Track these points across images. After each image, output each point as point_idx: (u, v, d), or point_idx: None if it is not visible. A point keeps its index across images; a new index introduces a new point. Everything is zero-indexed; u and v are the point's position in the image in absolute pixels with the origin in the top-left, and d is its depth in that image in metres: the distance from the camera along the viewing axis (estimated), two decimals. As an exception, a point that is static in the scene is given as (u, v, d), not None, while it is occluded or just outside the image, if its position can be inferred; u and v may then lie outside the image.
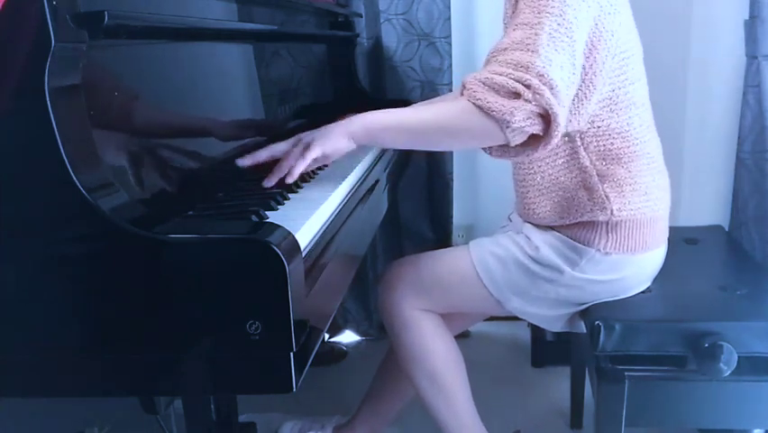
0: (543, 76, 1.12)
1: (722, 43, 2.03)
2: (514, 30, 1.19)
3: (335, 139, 1.18)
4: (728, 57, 1.96)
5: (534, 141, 1.18)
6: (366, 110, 1.65)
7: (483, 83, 1.15)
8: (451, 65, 2.13)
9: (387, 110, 1.25)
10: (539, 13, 1.17)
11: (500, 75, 1.14)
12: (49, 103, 0.74)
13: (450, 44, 2.12)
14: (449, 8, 2.10)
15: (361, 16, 2.11)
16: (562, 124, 1.15)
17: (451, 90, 2.13)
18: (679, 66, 2.16)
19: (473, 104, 1.15)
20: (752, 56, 1.80)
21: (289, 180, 1.13)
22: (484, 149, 1.24)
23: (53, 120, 0.75)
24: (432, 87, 2.14)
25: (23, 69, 0.76)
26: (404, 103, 1.98)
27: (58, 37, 0.75)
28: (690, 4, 2.13)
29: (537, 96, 1.12)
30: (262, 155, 1.16)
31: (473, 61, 2.24)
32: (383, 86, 2.16)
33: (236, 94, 1.32)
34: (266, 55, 1.45)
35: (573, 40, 1.17)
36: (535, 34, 1.15)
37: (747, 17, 1.80)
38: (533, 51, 1.14)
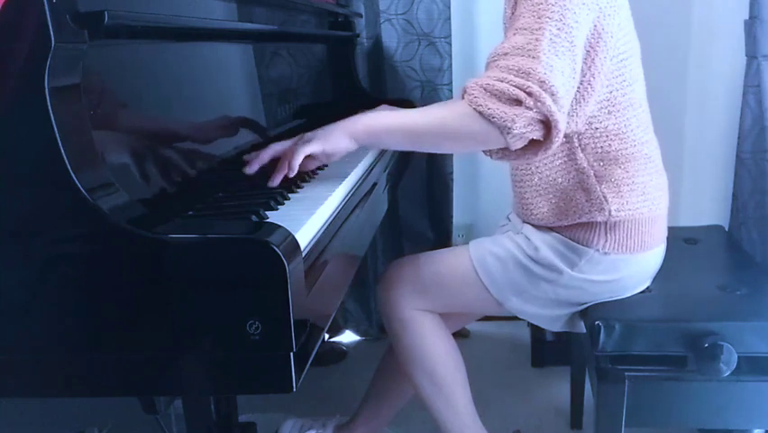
0: (544, 82, 1.12)
1: (722, 43, 2.03)
2: (514, 34, 1.18)
3: (336, 138, 1.19)
4: (728, 57, 1.96)
5: (534, 145, 1.19)
6: (366, 110, 1.66)
7: (484, 89, 1.15)
8: (451, 65, 2.13)
9: (388, 112, 1.26)
10: (539, 17, 1.17)
11: (501, 81, 1.14)
12: (49, 103, 0.74)
13: (450, 44, 2.12)
14: (449, 8, 2.10)
15: (361, 16, 2.11)
16: (563, 129, 1.16)
17: (451, 91, 2.13)
18: (679, 66, 2.16)
19: (474, 109, 1.15)
20: (752, 56, 1.80)
21: (290, 174, 1.14)
22: (485, 151, 1.25)
23: (53, 120, 0.75)
24: (432, 87, 2.14)
25: (23, 69, 0.76)
26: (405, 102, 1.98)
27: (58, 37, 0.75)
28: (690, 4, 2.13)
29: (539, 103, 1.12)
30: (266, 156, 1.17)
31: (473, 61, 2.24)
32: (383, 86, 2.16)
33: (236, 94, 1.32)
34: (266, 55, 1.45)
35: (573, 44, 1.17)
36: (536, 39, 1.15)
37: (747, 17, 1.80)
38: (533, 57, 1.14)
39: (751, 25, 1.78)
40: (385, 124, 1.24)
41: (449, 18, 2.11)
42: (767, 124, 1.79)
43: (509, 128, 1.13)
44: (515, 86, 1.13)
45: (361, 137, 1.21)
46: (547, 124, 1.15)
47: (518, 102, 1.12)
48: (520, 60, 1.15)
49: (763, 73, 1.78)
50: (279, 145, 1.19)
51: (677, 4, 2.14)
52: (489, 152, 1.24)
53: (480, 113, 1.14)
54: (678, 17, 2.14)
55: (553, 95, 1.13)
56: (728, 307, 1.35)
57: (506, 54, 1.17)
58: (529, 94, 1.12)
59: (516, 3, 1.26)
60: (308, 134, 1.20)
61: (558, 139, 1.16)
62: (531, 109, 1.12)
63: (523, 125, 1.13)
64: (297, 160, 1.15)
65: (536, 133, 1.15)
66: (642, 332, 1.30)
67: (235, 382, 0.81)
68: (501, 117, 1.12)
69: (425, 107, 1.28)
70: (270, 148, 1.19)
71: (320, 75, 1.83)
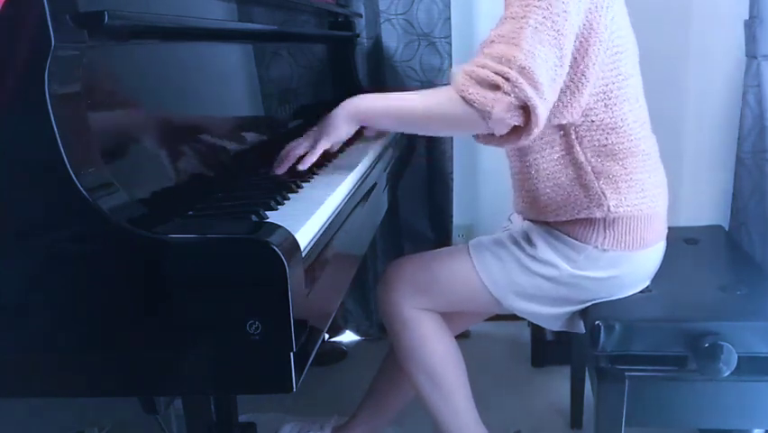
0: (524, 68, 1.15)
1: (722, 43, 2.03)
2: (502, 23, 1.22)
3: (339, 128, 1.28)
4: (728, 57, 1.96)
5: (516, 131, 1.21)
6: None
7: (468, 74, 1.19)
8: (451, 65, 2.12)
9: (382, 95, 1.33)
10: (526, 6, 1.19)
11: (482, 67, 1.18)
12: (49, 103, 0.74)
13: (450, 44, 2.12)
14: (449, 8, 2.10)
15: (361, 16, 2.11)
16: (542, 116, 1.18)
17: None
18: (679, 66, 2.16)
19: (458, 94, 1.19)
20: (752, 56, 1.80)
21: (302, 168, 1.24)
22: (474, 135, 1.29)
23: (53, 120, 0.75)
24: (432, 87, 2.13)
25: (23, 70, 0.76)
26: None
27: (58, 37, 0.75)
28: (690, 3, 2.13)
29: (516, 89, 1.15)
30: (291, 157, 1.26)
31: (473, 61, 2.24)
32: (383, 86, 2.15)
33: (236, 94, 1.32)
34: (266, 55, 1.45)
35: (560, 33, 1.19)
36: (520, 28, 1.18)
37: (747, 17, 1.80)
38: (515, 45, 1.17)
39: (751, 25, 1.78)
40: (380, 109, 1.32)
41: (449, 18, 2.10)
42: (767, 124, 1.79)
43: (489, 113, 1.17)
44: (494, 72, 1.16)
45: (358, 119, 1.30)
46: (526, 111, 1.17)
47: (497, 87, 1.16)
48: (503, 48, 1.18)
49: (763, 73, 1.78)
50: (296, 145, 1.28)
51: (677, 4, 2.14)
52: (476, 136, 1.29)
53: (463, 98, 1.18)
54: (678, 17, 2.14)
55: (533, 81, 1.15)
56: (728, 307, 1.35)
57: (491, 42, 1.21)
58: (507, 79, 1.15)
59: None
60: (315, 131, 1.29)
61: (537, 126, 1.18)
62: (509, 95, 1.15)
63: (501, 110, 1.16)
64: (312, 160, 1.25)
65: (516, 119, 1.18)
66: (642, 332, 1.30)
67: (235, 382, 0.81)
68: (481, 102, 1.16)
69: (420, 91, 1.34)
70: (292, 149, 1.27)
71: (320, 75, 1.83)
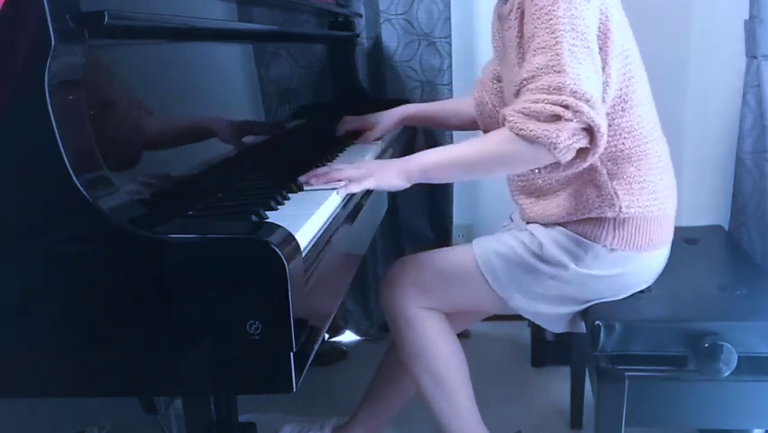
0: (576, 92, 1.16)
1: (722, 43, 2.03)
2: (534, 55, 1.21)
3: (392, 178, 1.25)
4: (728, 57, 1.96)
5: (581, 153, 1.21)
6: (366, 110, 1.66)
7: (522, 113, 1.18)
8: (451, 65, 2.13)
9: (437, 149, 1.33)
10: (553, 32, 1.19)
11: (537, 102, 1.17)
12: (49, 103, 0.75)
13: (450, 44, 2.12)
14: (449, 8, 2.10)
15: (361, 16, 2.11)
16: (605, 131, 1.19)
17: (451, 91, 2.13)
18: (679, 66, 2.16)
19: (517, 134, 1.19)
20: (752, 56, 1.80)
21: (339, 194, 1.16)
22: (533, 168, 1.31)
23: (53, 120, 0.75)
24: (432, 87, 2.14)
25: (23, 69, 0.76)
26: (404, 103, 1.99)
27: (58, 37, 0.75)
28: (690, 4, 2.13)
29: (577, 113, 1.15)
30: (321, 170, 1.22)
31: (473, 61, 2.24)
32: (383, 86, 2.16)
33: (236, 94, 1.32)
34: (266, 55, 1.45)
35: (590, 48, 1.21)
36: (557, 55, 1.18)
37: (747, 17, 1.80)
38: (560, 72, 1.17)
39: (751, 25, 1.78)
40: (437, 162, 1.29)
41: (449, 18, 2.10)
42: (767, 123, 1.79)
43: (555, 143, 1.16)
44: (551, 103, 1.16)
45: (416, 176, 1.27)
46: (590, 130, 1.18)
47: (558, 117, 1.16)
48: (548, 79, 1.18)
49: (763, 73, 1.78)
50: (338, 166, 1.24)
51: (677, 4, 2.14)
52: (538, 170, 1.30)
53: (524, 136, 1.18)
54: (678, 17, 2.14)
55: (588, 101, 1.16)
56: (728, 307, 1.35)
57: (533, 77, 1.20)
58: (566, 107, 1.15)
59: (520, 24, 1.28)
60: (367, 165, 1.26)
61: (603, 141, 1.19)
62: (571, 120, 1.16)
63: (567, 137, 1.16)
64: (353, 190, 1.19)
65: (582, 142, 1.18)
66: (642, 332, 1.30)
67: (235, 382, 0.81)
68: (545, 135, 1.16)
69: (468, 141, 1.32)
70: (329, 167, 1.24)
71: (320, 75, 1.83)
